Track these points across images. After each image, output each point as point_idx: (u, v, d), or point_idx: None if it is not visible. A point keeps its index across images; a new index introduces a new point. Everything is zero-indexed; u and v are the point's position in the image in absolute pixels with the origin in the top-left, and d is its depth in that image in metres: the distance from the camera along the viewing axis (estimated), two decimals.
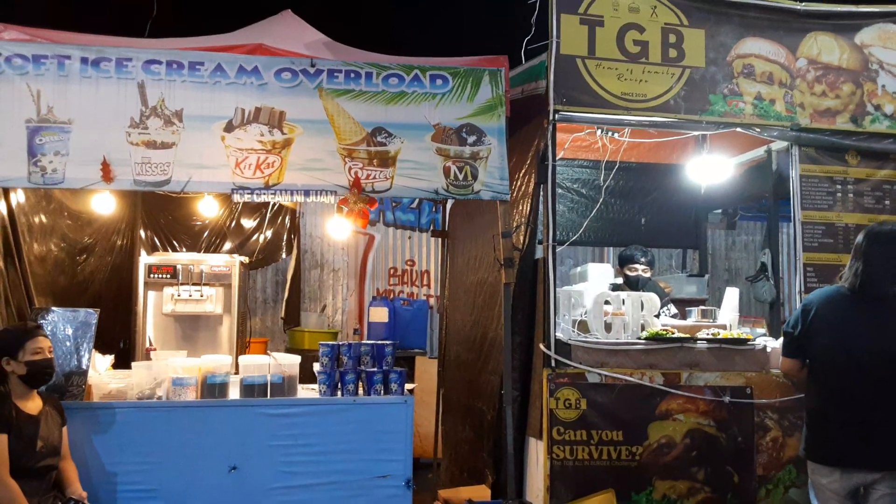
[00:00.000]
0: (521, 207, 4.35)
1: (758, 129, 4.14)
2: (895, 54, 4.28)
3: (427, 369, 6.50)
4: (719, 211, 6.02)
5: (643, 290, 4.89)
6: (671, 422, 3.79)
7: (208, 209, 6.24)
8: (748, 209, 6.06)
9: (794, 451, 3.86)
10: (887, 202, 4.22)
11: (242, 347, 5.82)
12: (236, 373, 3.92)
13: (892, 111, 4.25)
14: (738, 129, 4.14)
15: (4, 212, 4.15)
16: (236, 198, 3.74)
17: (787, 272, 5.38)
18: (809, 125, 4.15)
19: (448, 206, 5.86)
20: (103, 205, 5.35)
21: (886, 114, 4.24)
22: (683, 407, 3.81)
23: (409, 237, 7.86)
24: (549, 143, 3.94)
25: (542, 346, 3.83)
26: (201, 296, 5.39)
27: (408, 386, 4.03)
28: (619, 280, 5.11)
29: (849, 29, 4.26)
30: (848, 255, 4.09)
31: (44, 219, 5.06)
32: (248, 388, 3.77)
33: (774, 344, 4.12)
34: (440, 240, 5.98)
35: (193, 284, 5.41)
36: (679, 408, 3.82)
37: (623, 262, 5.09)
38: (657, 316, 4.25)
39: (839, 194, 4.18)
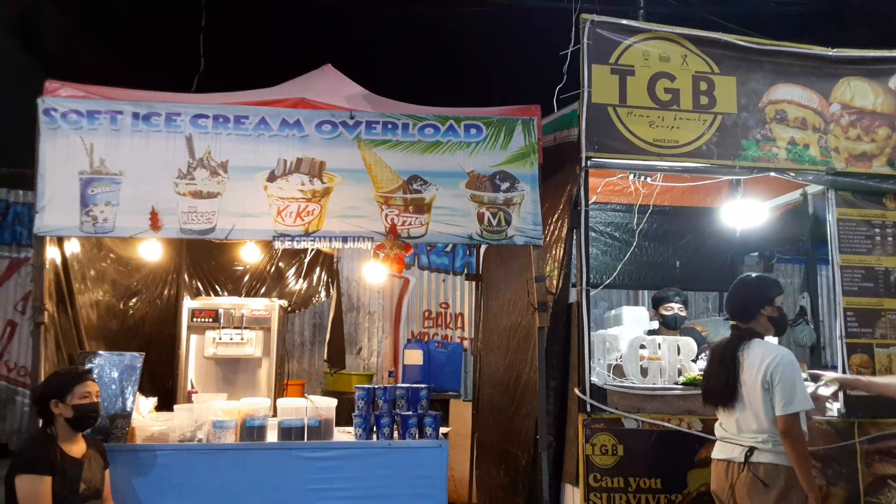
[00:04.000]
0: (554, 252, 4.39)
1: (792, 174, 4.14)
2: None
3: (461, 412, 6.49)
4: (756, 254, 5.97)
5: (680, 330, 4.86)
6: (709, 470, 3.72)
7: (250, 255, 6.40)
8: (785, 252, 6.00)
9: (839, 500, 3.76)
10: None
11: (280, 390, 5.89)
12: (274, 415, 3.98)
13: None
14: (772, 174, 4.15)
15: (58, 260, 4.33)
16: (277, 244, 3.86)
17: (828, 316, 5.29)
18: (845, 169, 4.14)
19: (482, 249, 5.93)
20: (151, 252, 5.53)
21: None
22: None
23: (444, 280, 7.93)
24: (582, 188, 4.00)
25: (577, 391, 3.82)
26: (242, 339, 5.50)
27: (442, 429, 4.04)
28: (655, 325, 5.09)
29: (882, 73, 4.27)
30: (890, 299, 4.06)
31: (95, 266, 5.25)
32: (286, 431, 3.83)
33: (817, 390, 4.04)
34: (474, 283, 6.03)
35: (234, 328, 5.54)
36: None
37: (657, 303, 5.08)
38: (694, 360, 4.21)
39: (878, 238, 4.14)
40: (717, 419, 3.35)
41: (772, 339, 3.59)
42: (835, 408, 3.99)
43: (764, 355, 3.16)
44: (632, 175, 4.73)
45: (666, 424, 3.77)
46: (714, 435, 3.33)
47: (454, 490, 6.07)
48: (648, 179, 4.91)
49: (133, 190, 3.78)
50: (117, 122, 3.84)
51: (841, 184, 4.12)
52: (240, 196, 3.81)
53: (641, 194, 5.10)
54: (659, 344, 4.14)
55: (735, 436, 3.18)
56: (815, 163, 4.13)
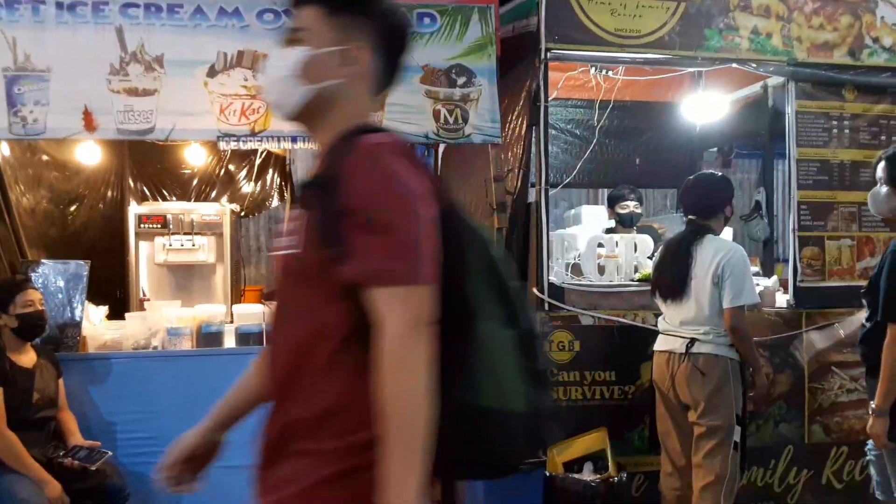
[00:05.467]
0: (514, 150, 4.28)
1: (754, 65, 4.04)
2: None
3: None
4: (714, 149, 5.95)
5: (636, 229, 4.89)
6: None
7: (196, 157, 6.14)
8: (743, 147, 6.00)
9: (785, 387, 3.93)
10: (883, 137, 4.16)
11: (238, 296, 5.83)
12: (231, 321, 3.93)
13: (890, 43, 4.15)
14: (734, 65, 4.05)
15: None
16: (222, 145, 3.67)
17: (782, 210, 5.37)
18: (806, 59, 4.05)
19: (440, 149, 5.78)
20: (89, 155, 5.26)
21: (885, 46, 4.14)
22: None
23: None
24: (541, 83, 3.85)
25: (535, 290, 3.83)
26: (193, 245, 5.35)
27: None
28: (613, 224, 5.09)
29: None
30: (843, 192, 4.10)
31: (30, 171, 4.99)
32: (244, 337, 3.79)
33: (767, 283, 4.13)
34: None
35: (185, 234, 5.37)
36: None
37: (613, 202, 5.06)
38: (650, 257, 4.24)
39: (835, 130, 4.12)
40: None
41: (726, 233, 3.65)
42: (784, 299, 4.09)
43: (717, 251, 3.20)
44: (593, 69, 4.57)
45: (621, 320, 3.83)
46: None
47: None
48: (610, 73, 4.76)
49: (63, 87, 3.51)
50: (40, 13, 3.52)
51: (801, 75, 4.04)
52: (179, 93, 3.58)
53: (602, 89, 4.95)
54: (616, 242, 4.14)
55: (678, 328, 3.27)
56: (777, 53, 4.04)
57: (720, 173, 3.59)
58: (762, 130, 4.80)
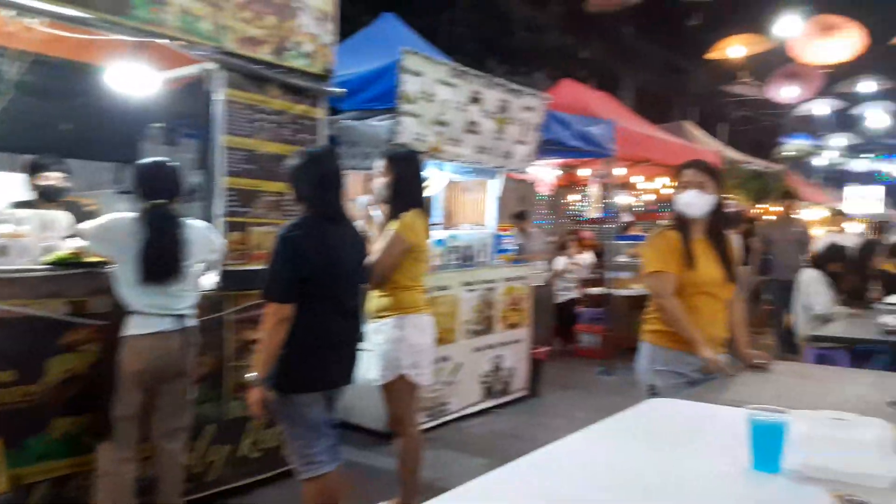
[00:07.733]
0: None
1: (184, 44, 3.97)
2: None
3: None
4: (160, 125, 5.75)
5: (61, 203, 4.39)
6: (76, 354, 3.49)
7: None
8: (187, 127, 5.94)
9: (208, 368, 4.04)
10: (303, 135, 4.59)
11: None
12: None
13: (309, 50, 4.60)
14: (165, 42, 3.90)
15: None
16: None
17: (214, 195, 5.48)
18: (236, 50, 4.18)
19: None
20: None
21: (305, 52, 4.57)
22: (91, 337, 3.54)
23: None
24: None
25: None
26: None
27: None
28: (31, 196, 4.44)
29: None
30: (267, 182, 4.40)
31: None
32: None
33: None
34: None
35: None
36: (87, 338, 3.53)
37: (35, 171, 4.44)
38: (73, 237, 3.81)
39: (262, 123, 4.37)
40: (85, 300, 3.44)
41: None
42: (212, 280, 4.17)
43: (207, 234, 3.66)
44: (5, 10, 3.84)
45: (25, 310, 3.32)
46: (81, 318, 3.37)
47: None
48: (31, 21, 4.07)
49: None
50: None
51: (231, 65, 4.15)
52: None
53: (24, 38, 4.21)
54: (24, 219, 3.58)
55: (170, 308, 3.42)
56: (208, 38, 4.04)
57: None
58: (199, 114, 4.80)
